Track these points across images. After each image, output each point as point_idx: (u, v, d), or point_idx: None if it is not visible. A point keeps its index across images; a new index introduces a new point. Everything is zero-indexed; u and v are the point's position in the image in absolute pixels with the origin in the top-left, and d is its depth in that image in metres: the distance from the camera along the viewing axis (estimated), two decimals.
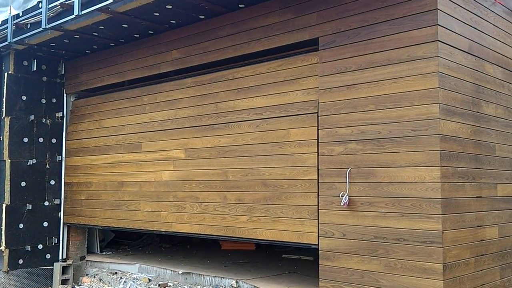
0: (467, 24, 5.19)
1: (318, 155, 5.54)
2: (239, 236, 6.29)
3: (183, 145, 7.03)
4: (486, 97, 5.42)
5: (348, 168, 5.25)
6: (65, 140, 8.78)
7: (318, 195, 5.51)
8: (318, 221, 5.49)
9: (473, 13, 5.29)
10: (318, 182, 5.52)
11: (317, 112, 5.59)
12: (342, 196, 5.23)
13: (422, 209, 4.74)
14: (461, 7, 5.12)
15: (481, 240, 5.19)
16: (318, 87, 5.60)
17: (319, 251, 5.45)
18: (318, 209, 5.50)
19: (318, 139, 5.55)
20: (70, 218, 8.60)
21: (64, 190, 8.71)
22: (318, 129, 5.55)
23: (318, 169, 5.53)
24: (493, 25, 5.62)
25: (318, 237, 5.47)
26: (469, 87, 5.16)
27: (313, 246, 5.58)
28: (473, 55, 5.25)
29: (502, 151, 5.65)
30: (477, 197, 5.18)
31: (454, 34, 4.98)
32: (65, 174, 8.72)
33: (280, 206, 5.89)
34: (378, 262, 4.98)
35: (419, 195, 4.76)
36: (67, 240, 8.66)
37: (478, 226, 5.17)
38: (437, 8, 4.76)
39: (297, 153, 5.79)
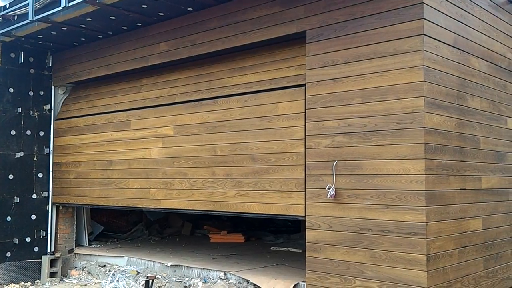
0: (453, 18, 5.24)
1: (305, 128, 5.58)
2: (227, 210, 6.35)
3: (172, 122, 7.07)
4: (471, 90, 5.47)
5: (335, 161, 5.29)
6: (53, 121, 8.76)
7: (305, 168, 5.56)
8: (305, 193, 5.55)
9: (458, 7, 5.33)
10: (305, 155, 5.57)
11: (305, 85, 5.62)
12: (329, 189, 5.28)
13: (406, 201, 4.80)
14: (447, 1, 5.16)
15: (465, 232, 5.27)
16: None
17: (306, 243, 5.50)
18: (305, 182, 5.55)
19: (305, 112, 5.59)
20: (59, 198, 8.60)
21: (52, 170, 8.70)
22: (305, 102, 5.59)
23: (305, 142, 5.58)
24: (479, 19, 5.67)
25: (305, 208, 5.53)
26: (454, 81, 5.21)
27: (300, 218, 5.64)
28: (458, 48, 5.30)
29: (487, 144, 5.72)
30: (461, 189, 5.25)
31: (440, 28, 5.02)
32: (53, 154, 8.72)
33: (268, 179, 5.95)
34: (363, 253, 5.04)
35: (403, 187, 4.82)
36: (55, 233, 8.64)
37: (462, 218, 5.24)
38: (423, 2, 4.80)
39: (285, 127, 5.85)
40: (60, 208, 8.74)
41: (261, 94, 6.15)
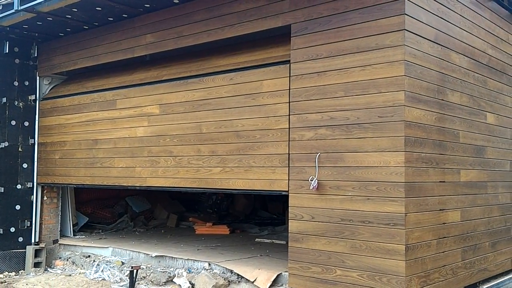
0: (434, 14, 5.34)
1: (289, 104, 5.66)
2: (213, 187, 6.43)
3: (157, 100, 7.11)
4: (451, 85, 5.59)
5: (318, 153, 5.38)
6: (39, 102, 8.76)
7: (289, 141, 5.65)
8: (288, 169, 5.64)
9: (440, 3, 5.43)
10: (289, 129, 5.66)
11: (289, 61, 5.69)
12: (311, 180, 5.37)
13: (386, 193, 4.91)
14: None
15: (443, 223, 5.40)
16: None
17: (289, 234, 5.59)
18: (289, 157, 5.64)
19: (289, 89, 5.67)
20: (44, 178, 8.60)
21: (37, 151, 8.70)
22: (290, 79, 5.67)
23: (289, 119, 5.67)
24: (460, 15, 5.79)
25: (288, 184, 5.63)
26: (434, 76, 5.32)
27: (284, 193, 5.74)
28: (439, 44, 5.41)
29: (466, 138, 5.85)
30: (440, 181, 5.37)
31: (421, 23, 5.12)
32: (38, 134, 8.72)
33: (252, 156, 6.04)
34: (344, 243, 5.15)
35: (384, 179, 4.93)
36: (40, 224, 8.64)
37: (440, 210, 5.37)
38: None
39: (269, 104, 5.93)
40: (45, 198, 8.73)
41: (246, 72, 6.21)
